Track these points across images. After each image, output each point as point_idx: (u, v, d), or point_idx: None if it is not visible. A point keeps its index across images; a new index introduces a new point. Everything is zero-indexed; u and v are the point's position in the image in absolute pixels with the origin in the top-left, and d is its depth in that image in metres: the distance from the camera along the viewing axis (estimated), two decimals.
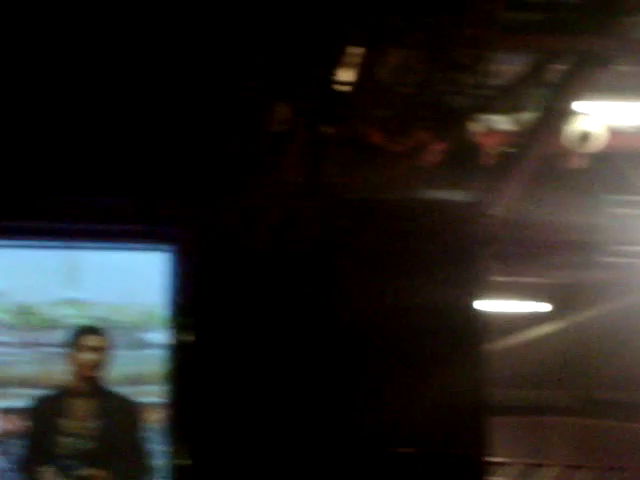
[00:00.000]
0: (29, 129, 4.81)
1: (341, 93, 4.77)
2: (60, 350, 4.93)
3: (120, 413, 4.96)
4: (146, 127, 4.84)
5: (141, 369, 5.02)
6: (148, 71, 4.70)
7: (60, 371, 4.94)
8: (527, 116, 5.27)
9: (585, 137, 5.50)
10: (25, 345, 4.95)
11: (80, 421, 4.89)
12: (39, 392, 4.92)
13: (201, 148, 4.90)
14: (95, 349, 4.96)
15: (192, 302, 4.94)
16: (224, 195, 4.95)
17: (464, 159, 5.11)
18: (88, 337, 4.97)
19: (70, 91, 4.71)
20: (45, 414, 4.89)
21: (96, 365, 4.93)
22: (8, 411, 4.89)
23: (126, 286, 5.04)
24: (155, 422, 4.98)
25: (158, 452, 4.93)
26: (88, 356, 4.95)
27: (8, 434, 4.86)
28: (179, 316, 4.97)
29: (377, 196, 4.98)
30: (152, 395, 5.00)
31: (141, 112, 4.78)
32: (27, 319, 4.96)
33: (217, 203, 4.95)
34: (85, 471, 4.84)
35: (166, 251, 5.03)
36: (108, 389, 4.95)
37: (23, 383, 4.93)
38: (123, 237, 5.03)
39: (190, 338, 4.93)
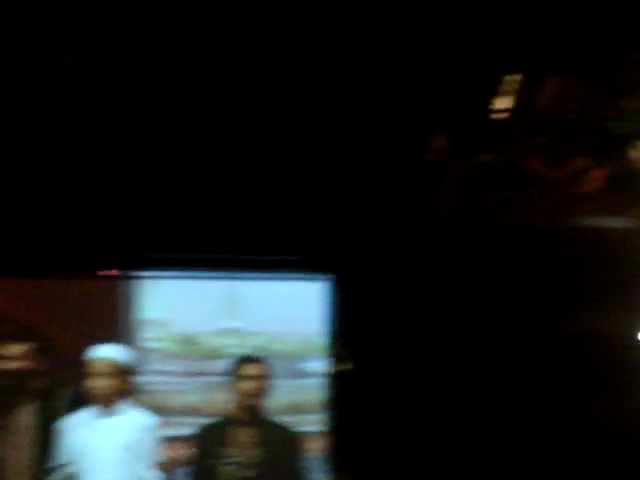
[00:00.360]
0: (194, 166, 4.87)
1: (499, 121, 4.74)
2: (222, 379, 5.00)
3: (281, 442, 4.99)
4: (304, 159, 4.86)
5: (301, 398, 5.05)
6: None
7: (222, 400, 5.00)
8: None
9: None
10: (188, 374, 5.04)
11: (242, 450, 4.94)
12: (202, 421, 4.99)
13: (357, 177, 4.90)
14: (255, 378, 5.01)
15: (350, 331, 4.96)
16: (380, 224, 4.95)
17: (626, 185, 5.01)
18: (248, 366, 5.03)
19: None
20: (208, 443, 4.96)
21: (256, 393, 4.98)
22: (173, 439, 4.97)
23: (285, 316, 5.08)
24: (316, 451, 4.99)
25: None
26: (248, 385, 5.00)
27: (173, 462, 4.94)
28: (337, 345, 4.99)
29: (537, 224, 4.91)
30: (312, 424, 5.02)
31: (296, 143, 4.80)
32: (190, 348, 5.05)
33: (373, 232, 4.95)
34: None
35: (323, 280, 5.06)
36: (269, 418, 5.00)
37: (187, 412, 5.01)
38: (281, 267, 5.08)
39: (348, 367, 4.93)
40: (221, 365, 5.02)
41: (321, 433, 4.98)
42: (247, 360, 5.02)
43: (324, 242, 4.99)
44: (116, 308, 4.99)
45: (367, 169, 4.88)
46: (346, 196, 4.95)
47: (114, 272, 5.03)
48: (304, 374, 5.07)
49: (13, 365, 4.92)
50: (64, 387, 4.91)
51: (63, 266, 4.97)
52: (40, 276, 4.98)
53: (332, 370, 4.95)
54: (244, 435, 4.96)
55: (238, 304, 5.09)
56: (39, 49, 4.20)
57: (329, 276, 5.03)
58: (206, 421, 4.96)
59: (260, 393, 4.97)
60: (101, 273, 5.03)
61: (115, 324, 4.98)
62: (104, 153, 4.78)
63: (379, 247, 4.97)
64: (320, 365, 5.03)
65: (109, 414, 4.88)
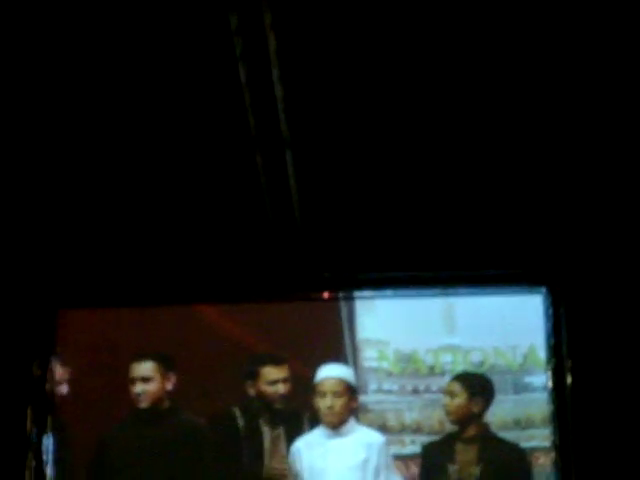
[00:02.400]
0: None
1: None
2: (439, 396, 4.96)
3: (505, 458, 4.89)
4: (514, 168, 4.78)
5: (525, 413, 4.95)
6: None
7: (441, 417, 4.96)
8: None
9: None
10: (407, 392, 5.02)
11: (467, 466, 4.87)
12: (423, 439, 4.95)
13: (570, 185, 4.78)
14: (458, 394, 4.94)
15: (570, 343, 4.83)
16: (597, 232, 4.82)
17: None
18: (452, 383, 4.97)
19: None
20: (434, 460, 4.92)
21: (464, 412, 4.90)
22: (402, 457, 4.96)
23: (502, 330, 5.00)
24: (543, 466, 4.87)
25: None
26: (456, 402, 4.93)
27: None
28: (557, 358, 4.86)
29: None
30: (538, 439, 4.90)
31: (507, 151, 4.73)
32: (408, 367, 5.03)
33: (589, 241, 4.83)
34: None
35: (540, 293, 4.97)
36: (492, 434, 4.91)
37: (406, 430, 4.99)
38: (497, 282, 5.02)
39: (569, 380, 4.80)
40: (439, 382, 4.99)
41: (547, 448, 4.85)
42: (460, 378, 4.97)
43: (539, 254, 4.90)
44: (336, 329, 5.04)
45: (578, 176, 4.73)
46: (561, 205, 4.83)
47: (331, 294, 5.08)
48: (526, 389, 4.96)
49: (280, 389, 5.02)
50: (302, 409, 5.00)
51: (282, 290, 5.07)
52: (261, 300, 5.08)
53: (554, 383, 4.84)
54: (467, 451, 4.88)
55: (455, 320, 5.05)
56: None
57: (545, 288, 4.93)
58: (429, 439, 4.93)
59: (466, 410, 4.90)
60: (319, 295, 5.09)
61: (336, 345, 5.02)
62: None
63: (596, 256, 4.82)
64: (542, 379, 4.92)
65: (340, 434, 4.91)
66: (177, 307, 5.11)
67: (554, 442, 4.83)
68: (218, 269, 4.97)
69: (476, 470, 4.86)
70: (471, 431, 4.91)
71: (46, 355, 4.96)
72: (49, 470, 4.93)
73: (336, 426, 4.88)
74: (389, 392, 5.01)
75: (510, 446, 4.89)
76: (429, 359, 5.02)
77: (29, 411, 4.84)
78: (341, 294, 5.08)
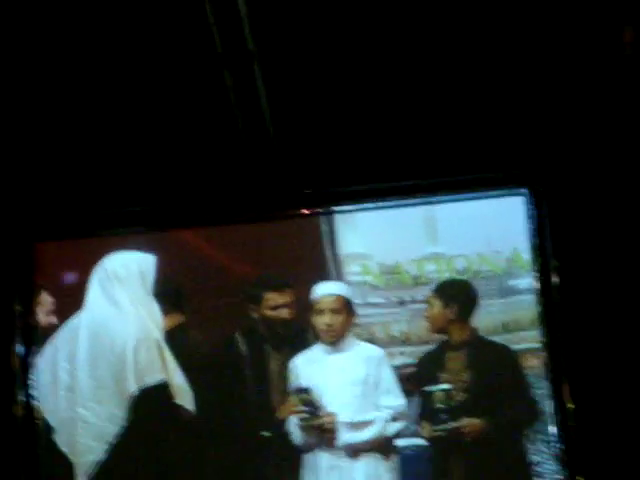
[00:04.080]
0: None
1: None
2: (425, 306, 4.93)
3: (494, 360, 4.86)
4: (489, 70, 4.73)
5: (513, 316, 4.90)
6: None
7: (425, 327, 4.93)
8: None
9: None
10: (392, 304, 4.98)
11: (456, 373, 4.85)
12: (412, 349, 4.92)
13: (549, 88, 4.75)
14: (433, 304, 4.91)
15: (554, 244, 4.79)
16: (578, 132, 4.77)
17: None
18: (431, 293, 4.93)
19: None
20: (428, 370, 4.89)
21: (442, 319, 4.88)
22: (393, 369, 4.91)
23: (485, 235, 4.95)
24: (533, 367, 4.83)
25: (540, 397, 4.79)
26: (432, 311, 4.90)
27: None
28: (542, 259, 4.82)
29: None
30: (528, 341, 4.86)
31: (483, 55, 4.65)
32: (392, 279, 4.99)
33: (570, 139, 4.78)
34: (461, 422, 4.76)
35: (521, 195, 4.92)
36: (480, 338, 4.87)
37: (395, 342, 4.94)
38: (478, 186, 4.96)
39: (556, 280, 4.77)
40: (424, 293, 4.94)
41: (537, 349, 4.81)
42: (448, 284, 4.93)
43: (519, 155, 4.85)
44: (318, 247, 5.00)
45: (558, 72, 4.71)
46: (539, 104, 4.79)
47: (311, 210, 5.04)
48: (513, 292, 4.91)
49: (283, 314, 4.96)
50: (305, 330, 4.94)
51: (261, 209, 5.02)
52: (239, 221, 5.04)
53: (541, 284, 4.80)
54: (456, 358, 4.86)
55: (436, 229, 5.00)
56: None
57: (527, 189, 4.88)
58: (417, 349, 4.90)
59: (454, 317, 4.88)
60: (298, 212, 5.04)
61: (319, 262, 4.98)
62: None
63: (576, 155, 4.78)
64: (528, 281, 4.87)
65: (339, 350, 4.87)
66: (156, 233, 5.06)
67: (543, 343, 4.79)
68: (194, 192, 4.92)
69: (465, 375, 4.83)
70: (457, 337, 4.87)
71: (26, 290, 4.93)
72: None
73: (336, 342, 4.85)
74: (375, 305, 4.97)
75: (499, 348, 4.86)
76: (413, 269, 4.98)
77: (12, 347, 4.83)
78: (321, 209, 5.03)
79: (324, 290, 4.91)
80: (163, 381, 4.79)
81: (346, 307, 4.90)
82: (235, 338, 4.95)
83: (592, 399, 4.67)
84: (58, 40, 4.38)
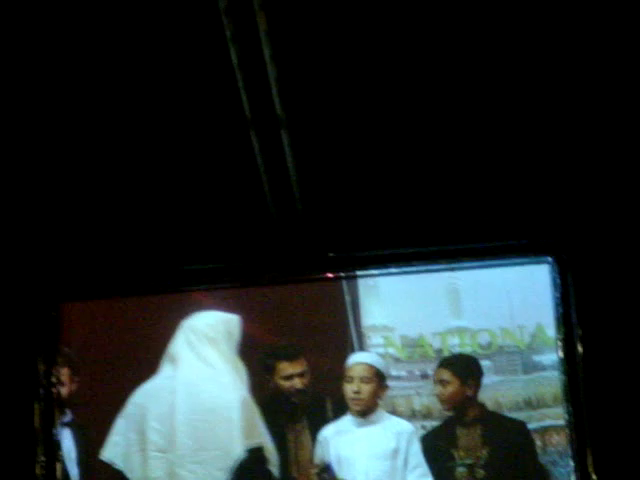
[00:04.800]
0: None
1: None
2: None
3: (508, 435, 4.80)
4: (514, 138, 4.73)
5: (536, 392, 4.85)
6: None
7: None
8: None
9: None
10: (415, 377, 4.94)
11: (471, 450, 4.79)
12: (438, 423, 4.87)
13: (574, 157, 4.72)
14: (449, 382, 4.88)
15: (580, 314, 4.75)
16: (602, 201, 4.75)
17: None
18: (444, 371, 4.90)
19: None
20: (437, 446, 4.84)
21: (459, 398, 4.86)
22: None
23: (509, 308, 4.93)
24: (557, 445, 4.78)
25: (564, 475, 4.74)
26: (449, 390, 4.87)
27: None
28: (566, 327, 4.79)
29: None
30: (551, 418, 4.81)
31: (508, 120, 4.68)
32: (415, 351, 4.96)
33: (596, 208, 4.75)
34: None
35: (546, 263, 4.90)
36: (490, 413, 4.83)
37: (417, 416, 4.89)
38: (503, 253, 4.94)
39: (580, 351, 4.73)
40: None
41: (561, 426, 4.77)
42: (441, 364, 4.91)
43: (544, 223, 4.82)
44: (341, 318, 4.98)
45: (582, 144, 4.67)
46: (564, 174, 4.75)
47: (334, 274, 5.02)
48: (536, 367, 4.87)
49: (297, 384, 4.95)
50: (323, 400, 4.93)
51: (285, 273, 5.02)
52: (261, 284, 5.04)
53: (565, 353, 4.76)
54: (469, 435, 4.80)
55: (460, 302, 4.97)
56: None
57: (552, 257, 4.85)
58: (434, 423, 4.86)
59: (457, 397, 4.85)
60: (322, 276, 5.03)
61: (342, 333, 4.96)
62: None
63: (602, 224, 4.74)
64: (551, 357, 4.84)
65: (369, 422, 4.86)
66: (179, 295, 5.07)
67: (567, 418, 4.74)
68: (218, 255, 4.92)
69: (483, 452, 4.77)
70: (470, 414, 4.83)
71: (50, 349, 4.93)
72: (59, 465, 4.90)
73: (364, 414, 4.82)
74: (397, 378, 4.93)
75: (511, 422, 4.81)
76: (436, 343, 4.96)
77: (36, 406, 4.82)
78: (344, 274, 5.01)
79: (357, 359, 4.90)
80: (263, 444, 4.82)
81: (377, 377, 4.87)
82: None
83: (617, 473, 4.60)
84: (94, 96, 4.41)
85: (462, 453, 4.79)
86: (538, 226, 4.82)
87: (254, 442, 4.76)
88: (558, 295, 4.82)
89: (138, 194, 4.81)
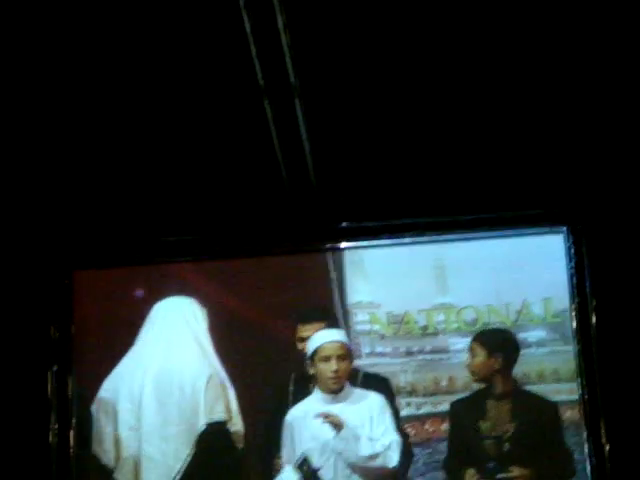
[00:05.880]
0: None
1: None
2: (436, 357, 4.92)
3: (536, 413, 4.80)
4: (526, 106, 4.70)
5: (522, 369, 4.85)
6: None
7: (436, 378, 4.91)
8: None
9: None
10: (400, 354, 4.94)
11: (496, 423, 4.78)
12: (422, 400, 4.87)
13: (588, 127, 4.69)
14: (477, 353, 4.88)
15: (593, 285, 4.73)
16: (616, 170, 4.73)
17: None
18: (474, 343, 4.90)
19: None
20: (465, 417, 4.83)
21: (486, 369, 4.85)
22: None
23: (495, 287, 4.94)
24: (571, 420, 4.78)
25: (577, 451, 4.74)
26: (476, 360, 4.88)
27: (427, 439, 4.86)
28: (580, 300, 4.78)
29: None
30: (565, 392, 4.81)
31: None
32: (400, 328, 4.96)
33: (609, 178, 4.73)
34: (506, 473, 4.70)
35: (558, 233, 4.90)
36: (522, 389, 4.84)
37: (404, 392, 4.89)
38: (517, 223, 4.93)
39: (593, 323, 4.72)
40: (435, 343, 4.93)
41: (575, 401, 4.78)
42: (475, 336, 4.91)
43: (559, 193, 4.79)
44: (326, 294, 4.98)
45: (596, 112, 4.65)
46: (577, 143, 4.73)
47: (316, 245, 5.01)
48: (522, 345, 4.86)
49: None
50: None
51: (264, 244, 4.99)
52: (242, 256, 5.02)
53: (579, 324, 4.74)
54: (499, 408, 4.80)
55: (446, 279, 4.99)
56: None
57: (566, 227, 4.85)
58: (423, 400, 4.85)
59: (484, 368, 4.85)
60: (302, 247, 5.02)
61: (327, 309, 4.97)
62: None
63: (617, 192, 4.72)
64: (537, 334, 4.87)
65: (339, 399, 4.83)
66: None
67: (580, 390, 4.72)
68: (234, 223, 4.91)
69: (511, 427, 4.76)
70: (499, 387, 4.82)
71: (63, 317, 4.92)
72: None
73: (338, 391, 4.80)
74: (382, 355, 4.93)
75: (542, 400, 4.81)
76: (421, 319, 4.96)
77: (49, 374, 4.80)
78: (327, 245, 5.00)
79: (329, 337, 4.88)
80: (226, 419, 4.83)
81: (349, 354, 4.87)
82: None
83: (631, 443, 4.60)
84: (104, 72, 4.43)
85: (489, 426, 4.79)
86: (552, 196, 4.80)
87: (217, 417, 4.79)
88: (572, 265, 4.83)
89: (152, 163, 4.78)
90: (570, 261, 4.85)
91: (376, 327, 4.96)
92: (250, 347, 4.89)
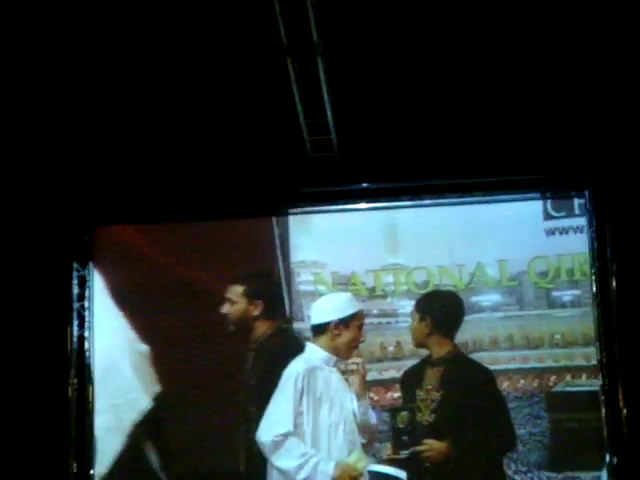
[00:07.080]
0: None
1: None
2: (385, 321, 4.68)
3: (468, 381, 4.59)
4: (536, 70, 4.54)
5: (472, 335, 4.61)
6: None
7: (382, 342, 4.67)
8: None
9: None
10: None
11: (429, 391, 4.57)
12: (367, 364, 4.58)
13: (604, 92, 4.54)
14: (413, 317, 4.65)
15: (613, 247, 4.62)
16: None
17: None
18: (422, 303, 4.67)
19: None
20: (408, 386, 4.63)
21: (417, 334, 4.62)
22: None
23: (448, 248, 4.69)
24: (512, 390, 4.60)
25: (529, 424, 4.58)
26: (412, 325, 4.64)
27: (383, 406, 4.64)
28: (601, 265, 4.63)
29: None
30: (487, 361, 4.60)
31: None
32: (346, 290, 4.67)
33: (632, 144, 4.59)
34: (423, 445, 4.51)
35: (577, 196, 4.76)
36: (461, 355, 4.59)
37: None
38: (538, 186, 4.80)
39: (613, 287, 4.58)
40: (384, 305, 4.68)
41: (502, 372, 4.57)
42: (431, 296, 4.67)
43: (581, 158, 4.67)
44: (272, 250, 4.74)
45: (613, 77, 4.48)
46: (596, 110, 4.58)
47: (267, 209, 4.81)
48: (473, 309, 4.62)
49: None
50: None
51: (214, 209, 4.87)
52: (194, 219, 4.87)
53: (598, 287, 4.61)
54: (432, 375, 4.57)
55: (397, 239, 4.71)
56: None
57: (588, 192, 4.71)
58: (369, 365, 4.55)
59: (415, 333, 4.63)
60: (254, 211, 4.82)
61: (267, 268, 4.73)
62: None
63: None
64: (491, 298, 4.62)
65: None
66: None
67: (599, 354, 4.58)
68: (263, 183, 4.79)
69: (436, 395, 4.55)
70: (435, 353, 4.58)
71: (83, 273, 4.92)
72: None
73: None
74: None
75: (477, 368, 4.56)
76: (369, 281, 4.69)
77: (68, 330, 4.82)
78: (278, 209, 4.84)
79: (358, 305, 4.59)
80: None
81: None
82: None
83: None
84: (125, 37, 4.37)
85: (423, 393, 4.56)
86: (575, 161, 4.66)
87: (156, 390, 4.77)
88: (593, 229, 4.65)
89: (175, 122, 4.72)
90: (591, 226, 4.68)
91: (320, 288, 4.69)
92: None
